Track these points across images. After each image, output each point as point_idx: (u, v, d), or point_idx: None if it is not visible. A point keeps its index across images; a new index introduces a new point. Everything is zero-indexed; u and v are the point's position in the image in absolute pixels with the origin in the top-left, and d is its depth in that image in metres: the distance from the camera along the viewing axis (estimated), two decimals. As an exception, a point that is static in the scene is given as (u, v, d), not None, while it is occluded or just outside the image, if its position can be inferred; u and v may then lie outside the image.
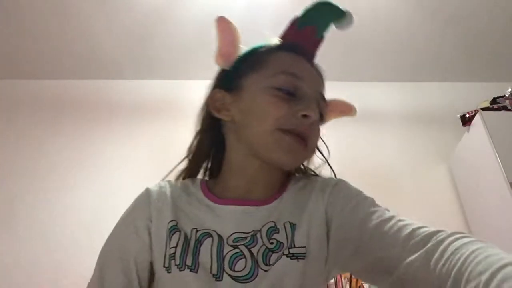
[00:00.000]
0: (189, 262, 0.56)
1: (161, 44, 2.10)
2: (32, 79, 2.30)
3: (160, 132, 2.11)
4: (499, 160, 1.60)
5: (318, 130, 0.67)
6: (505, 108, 1.79)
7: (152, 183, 0.69)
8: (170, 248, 0.58)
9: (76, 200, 1.91)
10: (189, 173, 0.73)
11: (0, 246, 1.79)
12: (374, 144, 2.11)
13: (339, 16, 0.68)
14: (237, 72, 0.69)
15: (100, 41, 2.09)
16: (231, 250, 0.57)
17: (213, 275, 0.55)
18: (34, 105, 2.24)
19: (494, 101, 1.83)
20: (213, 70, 0.73)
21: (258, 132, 0.64)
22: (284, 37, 0.70)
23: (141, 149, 2.07)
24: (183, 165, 0.74)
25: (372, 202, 0.59)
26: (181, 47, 2.11)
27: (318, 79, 0.69)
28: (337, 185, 0.64)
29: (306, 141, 0.63)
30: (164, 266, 0.58)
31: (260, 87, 0.65)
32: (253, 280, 0.55)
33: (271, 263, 0.56)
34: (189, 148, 0.73)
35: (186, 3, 1.89)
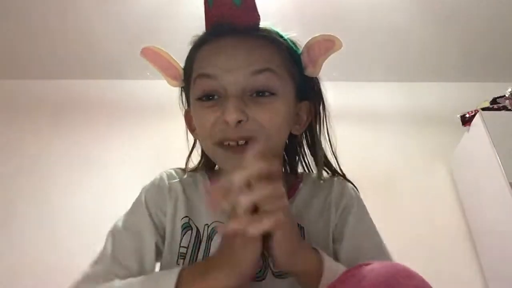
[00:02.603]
0: None
1: (161, 44, 2.10)
2: (32, 79, 2.30)
3: (161, 132, 2.10)
4: (499, 160, 1.60)
5: (265, 112, 0.57)
6: (505, 108, 1.79)
7: (163, 173, 0.69)
8: (181, 247, 0.60)
9: (76, 199, 1.91)
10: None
11: (0, 246, 1.79)
12: (374, 144, 2.11)
13: None
14: (187, 87, 0.67)
15: (100, 41, 2.09)
16: None
17: None
18: (34, 105, 2.23)
19: (494, 101, 1.83)
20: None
21: (205, 148, 0.64)
22: (205, 24, 0.63)
23: (141, 149, 2.07)
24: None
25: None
26: (182, 46, 2.10)
27: (241, 59, 0.58)
28: (352, 207, 0.65)
29: (244, 143, 0.56)
30: (177, 263, 0.59)
31: (192, 100, 0.63)
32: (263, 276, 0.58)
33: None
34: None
35: (186, 2, 1.89)
